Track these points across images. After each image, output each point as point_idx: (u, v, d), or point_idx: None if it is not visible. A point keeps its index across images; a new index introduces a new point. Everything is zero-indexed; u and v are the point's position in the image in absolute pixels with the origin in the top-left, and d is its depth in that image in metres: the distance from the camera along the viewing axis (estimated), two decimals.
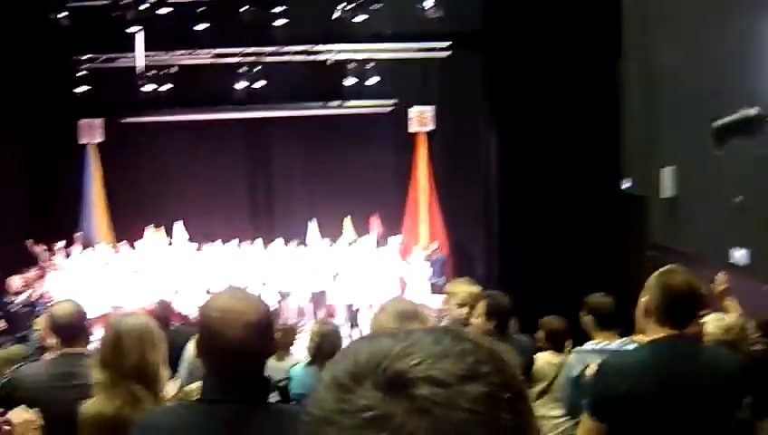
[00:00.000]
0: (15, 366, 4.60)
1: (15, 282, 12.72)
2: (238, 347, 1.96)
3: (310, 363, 5.48)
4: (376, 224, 15.70)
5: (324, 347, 5.28)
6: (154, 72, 16.14)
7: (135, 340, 2.98)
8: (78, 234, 16.28)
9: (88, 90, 16.14)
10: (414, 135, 16.76)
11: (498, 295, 5.23)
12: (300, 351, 6.65)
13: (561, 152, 12.00)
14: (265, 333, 2.01)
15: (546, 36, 11.95)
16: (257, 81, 16.07)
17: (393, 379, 0.80)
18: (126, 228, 16.39)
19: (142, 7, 14.53)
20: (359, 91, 16.40)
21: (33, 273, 13.84)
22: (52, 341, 4.04)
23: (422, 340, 0.84)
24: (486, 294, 5.26)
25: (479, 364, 0.82)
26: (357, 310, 13.97)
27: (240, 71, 16.13)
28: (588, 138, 11.82)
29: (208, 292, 12.27)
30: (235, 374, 1.98)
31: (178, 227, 15.86)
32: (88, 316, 4.13)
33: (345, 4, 14.58)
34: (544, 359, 5.73)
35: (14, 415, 2.99)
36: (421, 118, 16.72)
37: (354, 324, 13.65)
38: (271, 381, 2.35)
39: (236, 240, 15.58)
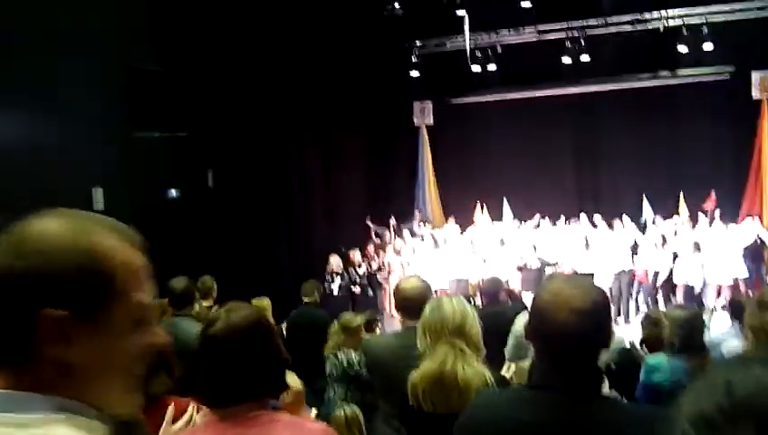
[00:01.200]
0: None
1: (357, 256, 13.85)
2: (566, 333, 1.90)
3: (677, 352, 4.92)
4: (712, 200, 14.51)
5: (692, 336, 4.89)
6: (480, 53, 16.51)
7: (456, 306, 3.12)
8: (412, 212, 17.35)
9: (420, 73, 17.02)
10: (757, 103, 15.17)
11: None
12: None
13: None
14: (597, 321, 1.92)
15: None
16: (583, 55, 15.66)
17: None
18: (455, 206, 17.05)
19: None
20: (693, 59, 15.21)
21: (372, 248, 15.02)
22: (395, 314, 4.30)
23: None
24: None
25: None
26: (701, 291, 13.09)
27: (565, 46, 15.85)
28: None
29: (529, 269, 12.34)
30: (564, 361, 1.93)
31: (505, 204, 16.13)
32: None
33: None
34: None
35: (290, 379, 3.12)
36: (765, 83, 15.07)
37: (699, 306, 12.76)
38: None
39: (562, 218, 15.43)
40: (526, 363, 3.83)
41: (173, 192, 11.94)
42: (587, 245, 13.94)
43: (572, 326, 1.88)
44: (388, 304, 13.66)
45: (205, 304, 6.85)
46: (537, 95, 16.91)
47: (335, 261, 13.30)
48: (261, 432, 1.98)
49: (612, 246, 13.76)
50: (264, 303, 6.94)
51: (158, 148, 11.77)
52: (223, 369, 2.03)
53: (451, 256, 14.32)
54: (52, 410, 0.92)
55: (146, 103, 11.31)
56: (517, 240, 14.41)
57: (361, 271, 13.79)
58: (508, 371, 3.87)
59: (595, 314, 1.91)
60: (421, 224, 16.63)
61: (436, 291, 13.19)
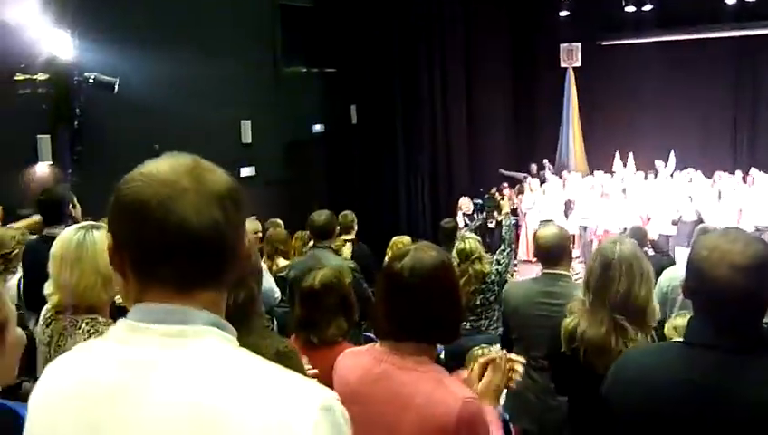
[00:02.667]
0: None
1: (465, 202, 13.58)
2: (724, 289, 1.81)
3: None
4: None
5: None
6: None
7: (624, 270, 2.92)
8: (553, 155, 17.00)
9: (570, 14, 16.44)
10: None
11: None
12: None
13: None
14: (760, 276, 1.81)
15: None
16: None
17: None
18: (598, 152, 16.56)
19: None
20: None
21: (509, 191, 14.83)
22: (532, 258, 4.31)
23: None
24: None
25: None
26: None
27: None
28: None
29: (684, 222, 11.80)
30: (723, 319, 1.84)
31: (649, 153, 15.48)
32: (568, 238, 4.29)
33: None
34: None
35: None
36: None
37: None
38: None
39: (715, 170, 14.62)
40: (678, 321, 3.66)
41: (318, 127, 12.20)
42: (739, 199, 13.19)
43: (733, 282, 1.79)
44: (527, 249, 13.56)
45: (346, 237, 7.00)
46: (694, 38, 15.96)
47: (464, 203, 13.25)
48: (415, 379, 2.02)
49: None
50: (405, 241, 7.00)
51: (306, 83, 12.02)
52: (403, 305, 2.07)
53: (586, 203, 13.93)
54: (203, 323, 1.04)
55: (296, 39, 11.54)
56: (672, 192, 13.76)
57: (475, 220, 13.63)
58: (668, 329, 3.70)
59: (757, 269, 1.81)
60: (561, 169, 16.26)
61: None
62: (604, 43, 17.02)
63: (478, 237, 5.86)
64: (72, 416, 1.05)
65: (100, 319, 2.39)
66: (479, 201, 13.25)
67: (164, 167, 1.07)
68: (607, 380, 2.07)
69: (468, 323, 5.20)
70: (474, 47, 15.23)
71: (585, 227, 13.62)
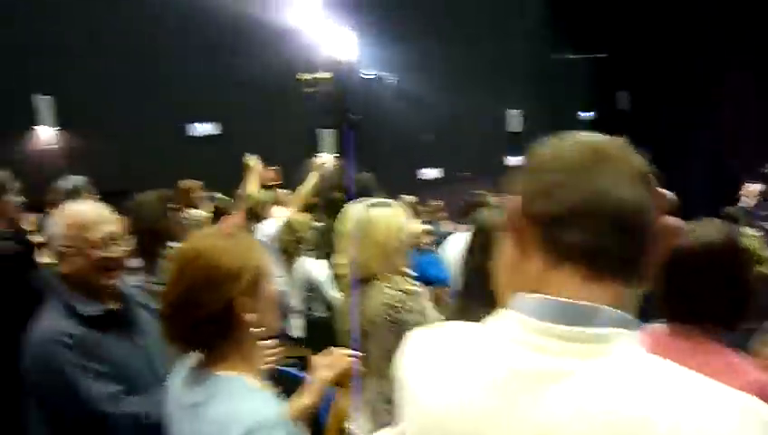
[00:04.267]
0: None
1: (752, 189, 12.31)
2: None
3: None
4: None
5: None
6: None
7: None
8: None
9: None
10: None
11: None
12: None
13: None
14: None
15: None
16: None
17: None
18: None
19: None
20: None
21: None
22: None
23: None
24: None
25: None
26: None
27: None
28: None
29: None
30: None
31: None
32: None
33: None
34: None
35: None
36: None
37: None
38: None
39: None
40: None
41: (587, 114, 11.95)
42: None
43: None
44: None
45: None
46: None
47: (751, 189, 12.12)
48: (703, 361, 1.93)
49: None
50: None
51: (573, 70, 11.81)
52: (688, 284, 2.02)
53: None
54: (614, 324, 0.89)
55: (564, 25, 11.38)
56: None
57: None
58: None
59: None
60: None
61: None
62: None
63: (762, 233, 5.36)
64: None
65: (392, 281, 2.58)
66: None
67: (584, 138, 0.96)
68: None
69: None
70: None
71: None
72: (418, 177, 10.69)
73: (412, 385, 1.01)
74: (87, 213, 2.21)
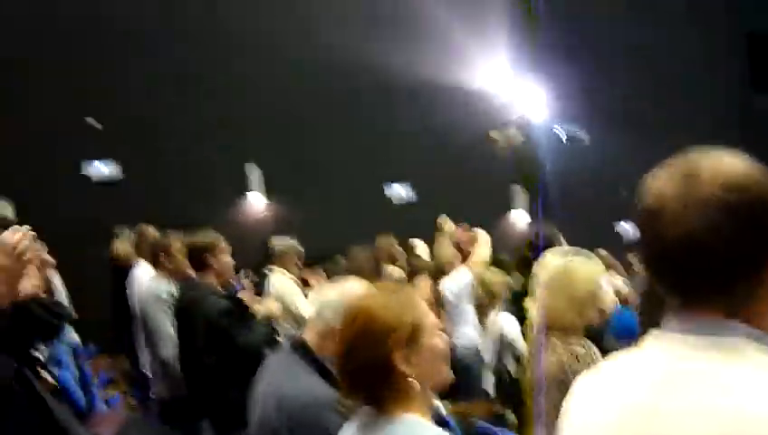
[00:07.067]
0: None
1: None
2: None
3: None
4: None
5: None
6: None
7: None
8: None
9: None
10: None
11: None
12: None
13: None
14: None
15: None
16: None
17: None
18: None
19: None
20: None
21: None
22: None
23: None
24: None
25: None
26: None
27: None
28: None
29: None
30: None
31: None
32: None
33: None
34: None
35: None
36: None
37: None
38: None
39: None
40: None
41: None
42: None
43: None
44: None
45: None
46: None
47: None
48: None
49: None
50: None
51: None
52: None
53: None
54: (742, 335, 1.00)
55: (763, 67, 10.80)
56: None
57: None
58: None
59: None
60: None
61: None
62: None
63: None
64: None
65: (572, 339, 2.51)
66: None
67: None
68: None
69: None
70: None
71: None
72: (616, 229, 10.42)
73: (571, 408, 1.15)
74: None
